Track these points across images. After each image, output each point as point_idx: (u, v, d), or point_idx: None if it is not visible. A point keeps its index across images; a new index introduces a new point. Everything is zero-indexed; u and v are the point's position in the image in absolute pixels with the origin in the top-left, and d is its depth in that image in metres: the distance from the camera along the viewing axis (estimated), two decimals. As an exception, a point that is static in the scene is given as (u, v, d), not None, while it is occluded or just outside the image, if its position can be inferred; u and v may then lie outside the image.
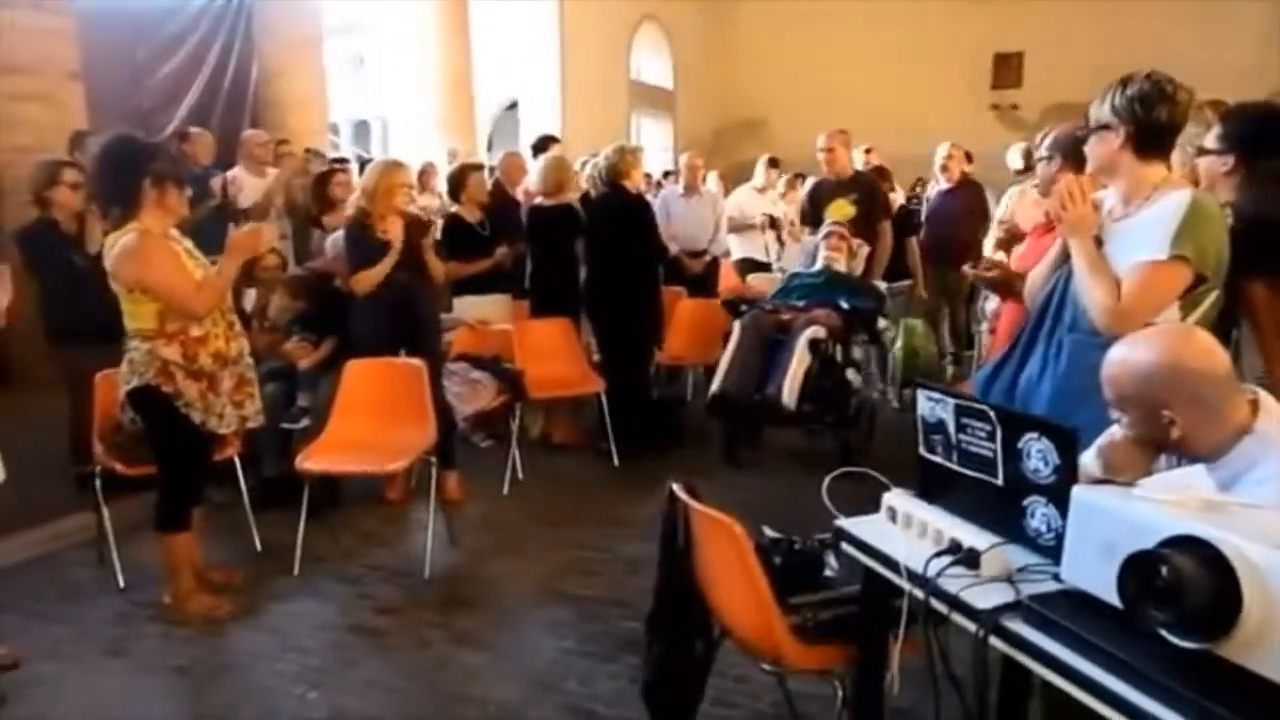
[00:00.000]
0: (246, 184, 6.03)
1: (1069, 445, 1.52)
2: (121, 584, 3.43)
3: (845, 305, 4.68)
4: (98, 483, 3.51)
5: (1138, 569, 1.18)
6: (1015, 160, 6.31)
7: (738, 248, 7.00)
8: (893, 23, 15.29)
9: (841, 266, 5.09)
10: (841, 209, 5.41)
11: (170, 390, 3.05)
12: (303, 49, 8.55)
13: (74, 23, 6.50)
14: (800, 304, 4.82)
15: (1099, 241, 2.21)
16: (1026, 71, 15.89)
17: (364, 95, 14.60)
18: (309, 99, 8.60)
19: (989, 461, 1.68)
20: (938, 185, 6.49)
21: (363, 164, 9.19)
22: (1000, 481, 1.66)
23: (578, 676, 2.80)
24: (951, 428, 1.75)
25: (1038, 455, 1.58)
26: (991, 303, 4.11)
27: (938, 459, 1.80)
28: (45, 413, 4.30)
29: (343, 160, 7.81)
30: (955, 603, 1.49)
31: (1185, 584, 1.12)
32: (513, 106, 13.53)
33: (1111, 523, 1.30)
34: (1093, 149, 2.24)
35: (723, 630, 2.17)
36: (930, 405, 1.80)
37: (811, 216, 5.61)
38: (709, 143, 14.44)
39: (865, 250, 5.29)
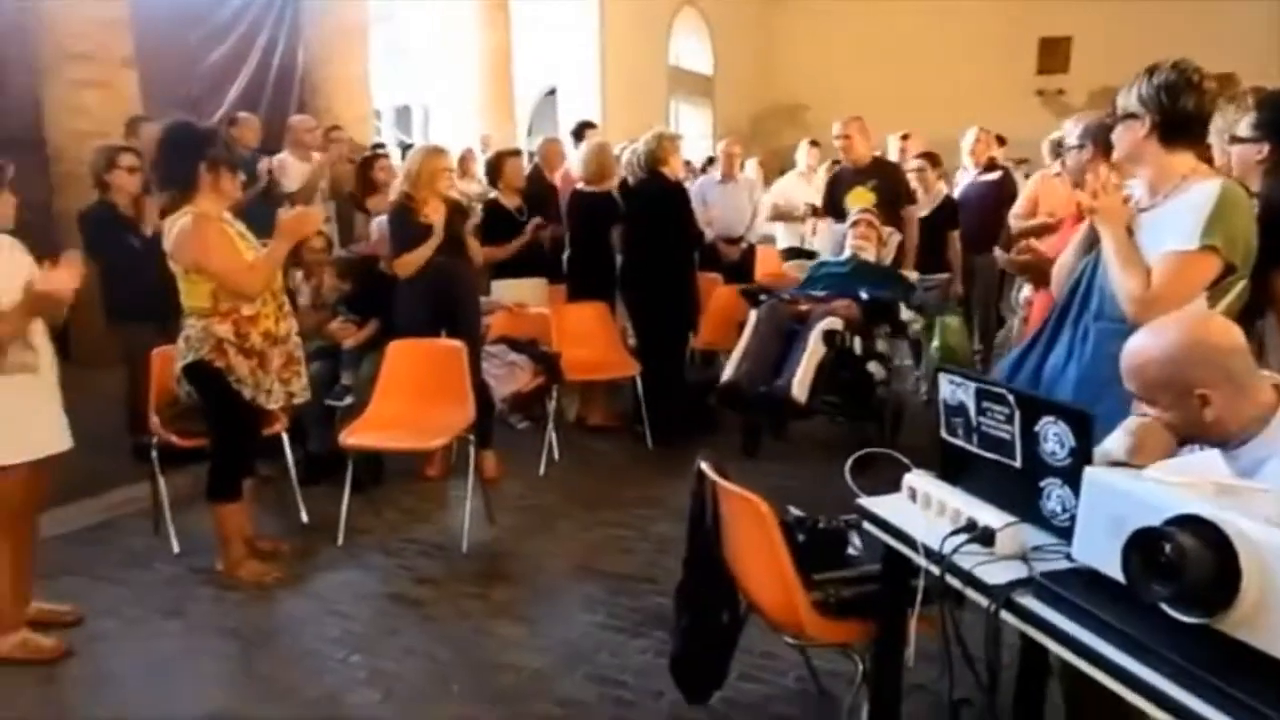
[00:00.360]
0: (292, 168, 6.18)
1: (1085, 428, 1.57)
2: (176, 550, 3.59)
3: (864, 296, 4.58)
4: (154, 454, 3.68)
5: (1142, 545, 1.23)
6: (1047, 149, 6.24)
7: (783, 236, 7.01)
8: (935, 6, 15.06)
9: (870, 255, 4.99)
10: (861, 197, 5.32)
11: (223, 366, 3.18)
12: (348, 36, 8.68)
13: (129, 11, 6.69)
14: (821, 294, 4.74)
15: (1129, 232, 2.24)
16: (1074, 56, 15.59)
17: (407, 81, 14.75)
18: (354, 85, 8.73)
19: (1007, 444, 1.73)
20: (967, 172, 6.34)
21: (404, 150, 9.36)
22: (1018, 464, 1.71)
23: (608, 649, 2.90)
24: (972, 411, 1.80)
25: (1054, 438, 1.63)
26: (1025, 290, 4.11)
27: (958, 441, 1.86)
28: (104, 388, 4.48)
29: (380, 145, 7.94)
30: (969, 579, 1.55)
31: (1187, 560, 1.16)
32: (552, 93, 13.60)
33: (1121, 502, 1.35)
34: (1119, 138, 2.26)
35: (749, 605, 2.25)
36: (952, 388, 1.85)
37: (831, 205, 5.55)
38: (747, 129, 14.40)
39: (896, 238, 5.20)
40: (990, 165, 6.12)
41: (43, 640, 2.86)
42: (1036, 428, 1.65)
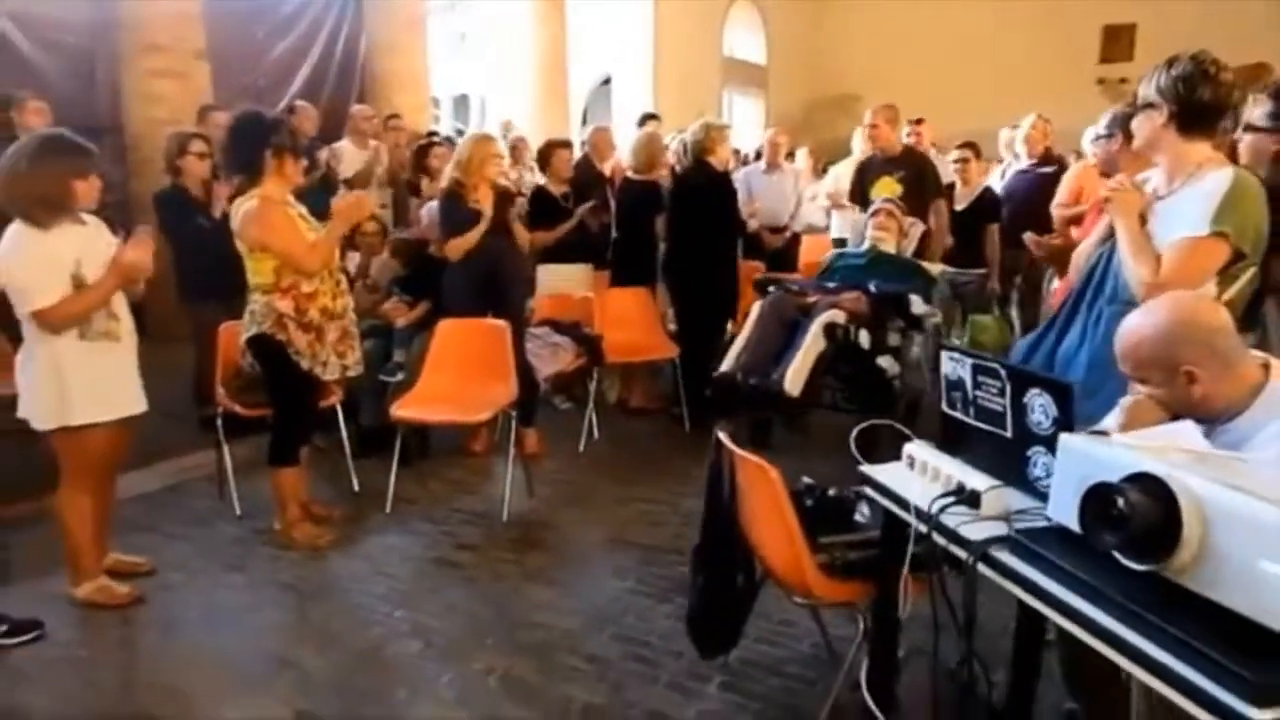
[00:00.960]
0: (350, 155, 6.44)
1: (1066, 399, 1.67)
2: (238, 512, 3.85)
3: (872, 289, 4.42)
4: (219, 423, 3.95)
5: (1097, 499, 1.34)
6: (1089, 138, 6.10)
7: (836, 226, 7.04)
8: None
9: (889, 246, 4.85)
10: (887, 187, 5.22)
11: (283, 339, 3.41)
12: (408, 27, 8.92)
13: (201, 6, 7.03)
14: (832, 286, 4.62)
15: (1143, 220, 2.31)
16: (1139, 44, 15.21)
17: (465, 70, 15.03)
18: (413, 75, 8.98)
19: (999, 415, 1.84)
20: (1017, 162, 6.17)
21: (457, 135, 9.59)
22: (1009, 434, 1.82)
23: (635, 613, 3.06)
24: (969, 384, 1.92)
25: (1040, 409, 1.73)
26: (1056, 282, 4.14)
27: (957, 414, 1.97)
28: (174, 362, 4.77)
29: (435, 134, 8.17)
30: (954, 536, 1.66)
31: (1134, 511, 1.28)
32: (607, 82, 13.76)
33: (1088, 463, 1.45)
34: (1139, 126, 2.33)
35: (765, 570, 2.39)
36: (952, 364, 1.96)
37: (859, 195, 5.47)
38: (800, 119, 14.37)
39: (919, 229, 5.05)
40: (1046, 157, 5.92)
41: (119, 587, 3.13)
42: (1025, 399, 1.76)
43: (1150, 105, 2.28)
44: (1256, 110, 2.50)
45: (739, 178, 6.25)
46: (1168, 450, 1.45)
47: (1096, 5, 14.84)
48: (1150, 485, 1.30)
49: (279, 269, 3.39)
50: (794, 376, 4.09)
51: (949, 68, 14.20)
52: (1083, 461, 1.48)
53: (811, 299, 4.46)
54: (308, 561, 3.48)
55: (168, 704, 2.58)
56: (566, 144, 5.81)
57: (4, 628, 2.87)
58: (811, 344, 4.17)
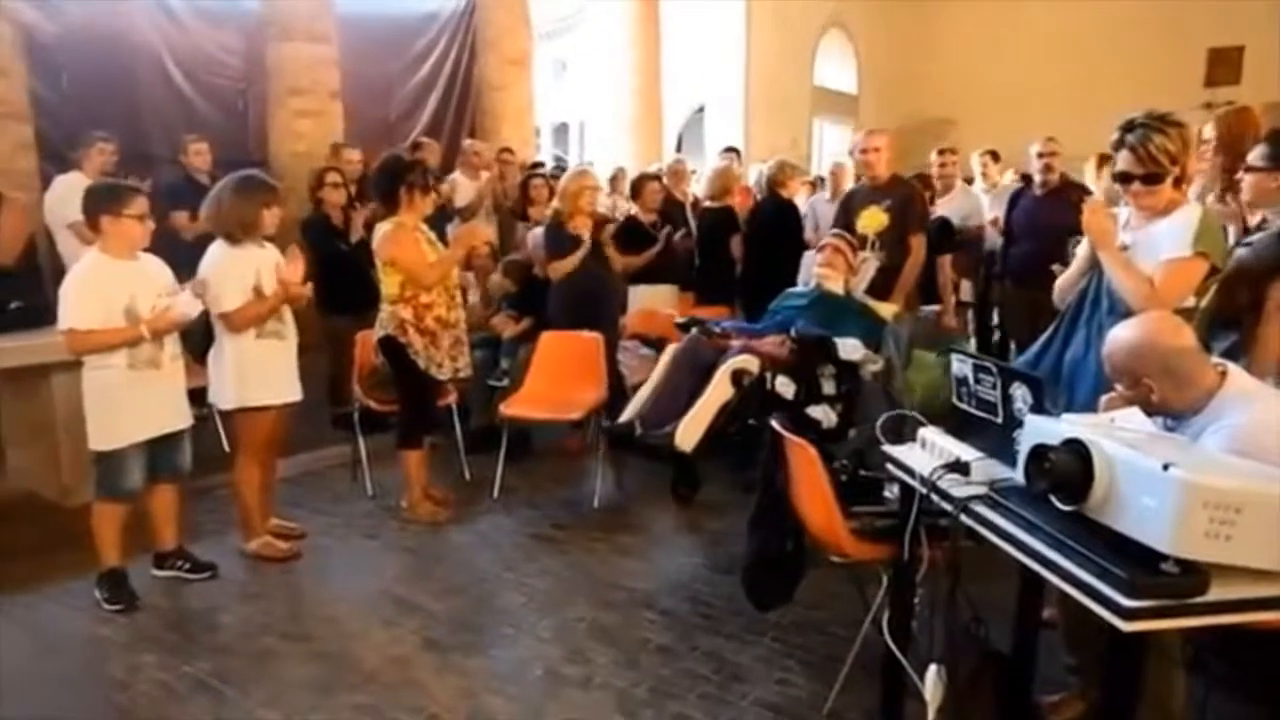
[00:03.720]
0: (463, 186, 7.16)
1: (1039, 390, 2.10)
2: (370, 493, 4.52)
3: (792, 332, 4.02)
4: (356, 417, 4.62)
5: (1036, 457, 1.79)
6: None
7: None
8: (1093, 17, 14.73)
9: (835, 285, 4.32)
10: (874, 218, 4.82)
11: (404, 341, 4.04)
12: (517, 64, 9.62)
13: (338, 51, 7.91)
14: (757, 328, 4.29)
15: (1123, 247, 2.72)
16: (1246, 67, 14.89)
17: (564, 99, 15.85)
18: (521, 110, 9.69)
19: (993, 405, 2.26)
20: (1029, 188, 5.63)
21: (555, 163, 10.30)
22: (1000, 420, 2.24)
23: (703, 581, 3.56)
24: (971, 380, 2.35)
25: (1021, 398, 2.15)
26: None
27: (963, 406, 2.40)
28: (310, 368, 5.48)
29: (539, 164, 8.85)
30: (945, 495, 2.10)
31: (1056, 463, 1.71)
32: (700, 111, 14.35)
33: (1040, 435, 1.88)
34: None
35: (808, 534, 2.84)
36: (958, 364, 2.40)
37: (845, 228, 4.89)
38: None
39: (871, 265, 4.55)
40: (1064, 183, 5.40)
41: (280, 544, 3.80)
42: (1010, 391, 2.19)
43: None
44: (1254, 152, 2.85)
45: (805, 206, 6.60)
46: (1114, 427, 1.88)
47: (1203, 27, 14.59)
48: (1075, 446, 1.73)
49: (404, 283, 4.02)
50: (686, 429, 3.74)
51: (1049, 93, 14.20)
52: (1037, 434, 1.90)
53: (737, 342, 4.07)
54: (429, 533, 4.09)
55: (323, 629, 3.21)
56: (656, 177, 6.37)
57: (187, 565, 3.57)
58: (713, 393, 3.78)
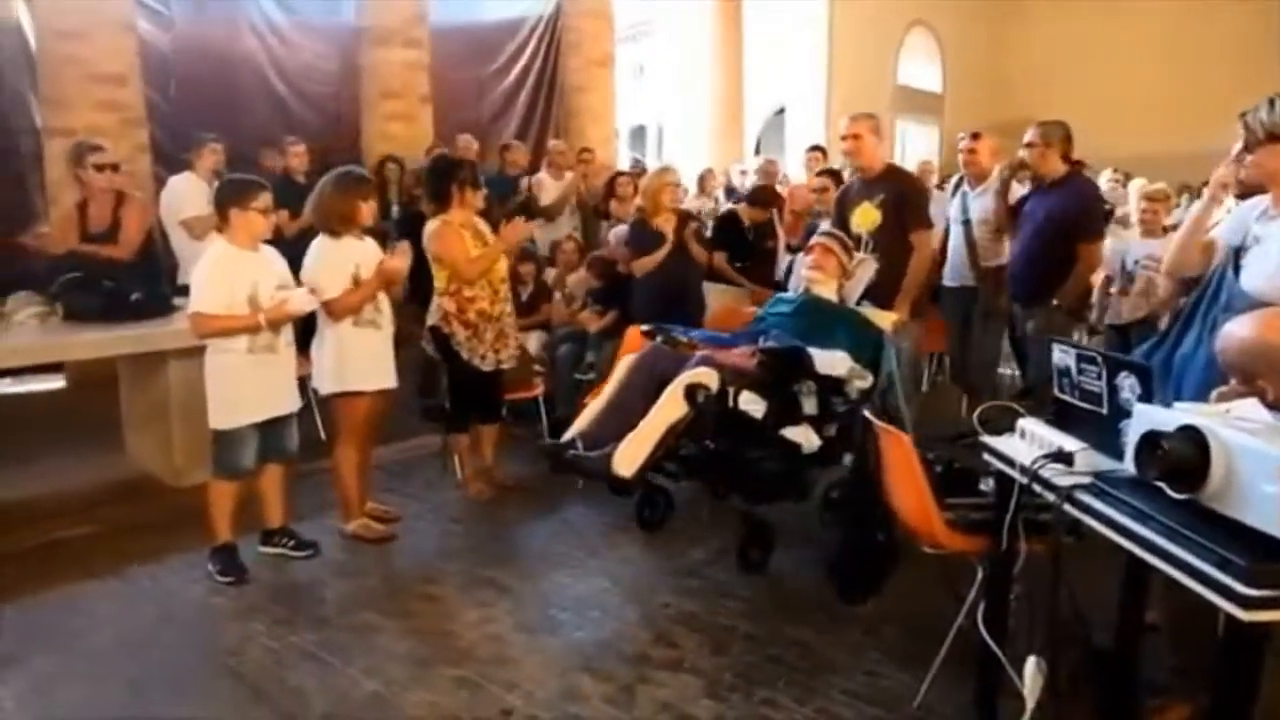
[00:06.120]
0: (548, 185, 7.30)
1: (1147, 378, 2.05)
2: (460, 479, 4.64)
3: (762, 344, 3.61)
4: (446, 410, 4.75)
5: (1148, 443, 1.75)
6: None
7: None
8: (1178, 16, 14.17)
9: (826, 290, 3.92)
10: (866, 215, 4.39)
11: (448, 331, 4.16)
12: (600, 66, 9.81)
13: (429, 57, 8.15)
14: (726, 338, 3.89)
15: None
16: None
17: (642, 101, 15.96)
18: (602, 111, 9.86)
19: (1098, 395, 2.22)
20: (1030, 183, 4.92)
21: (634, 165, 10.38)
22: (1105, 410, 2.20)
23: (788, 573, 3.55)
24: (1074, 371, 2.31)
25: (1129, 388, 2.11)
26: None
27: (1065, 397, 2.36)
28: (407, 362, 5.67)
29: (624, 171, 8.93)
30: (1048, 485, 2.07)
31: (1171, 450, 1.68)
32: (781, 112, 14.28)
33: (1152, 423, 1.84)
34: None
35: (901, 525, 2.82)
36: (1061, 355, 2.36)
37: (840, 227, 4.49)
38: (975, 146, 14.30)
39: (868, 268, 4.09)
40: (1070, 175, 4.70)
41: (377, 525, 3.95)
42: (1116, 381, 2.14)
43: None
44: None
45: None
46: (1214, 413, 1.83)
47: (1289, 23, 13.94)
48: (1190, 433, 1.69)
49: (449, 276, 4.13)
50: (625, 451, 3.26)
51: (1135, 93, 13.73)
52: (1149, 422, 1.86)
53: (702, 353, 3.60)
54: (514, 520, 4.20)
55: (419, 606, 3.34)
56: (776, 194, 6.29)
57: (292, 542, 3.73)
58: (662, 410, 3.31)
